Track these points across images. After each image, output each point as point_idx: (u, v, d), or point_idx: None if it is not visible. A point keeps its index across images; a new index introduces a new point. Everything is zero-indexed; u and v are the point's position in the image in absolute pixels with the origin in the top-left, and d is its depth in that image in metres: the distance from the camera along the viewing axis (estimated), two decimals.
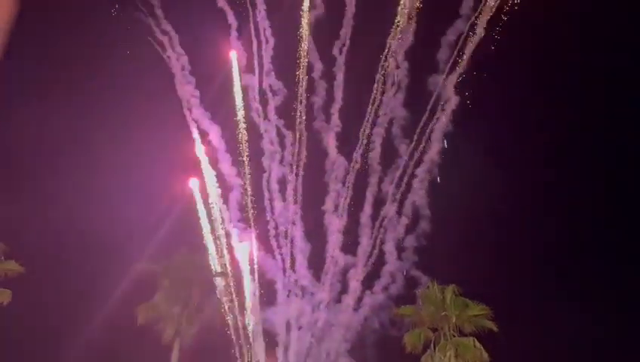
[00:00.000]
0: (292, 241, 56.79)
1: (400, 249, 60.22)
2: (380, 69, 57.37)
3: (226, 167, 54.65)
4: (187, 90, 53.99)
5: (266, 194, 55.98)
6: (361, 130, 58.04)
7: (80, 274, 43.96)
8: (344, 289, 58.96)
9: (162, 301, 39.84)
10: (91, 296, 43.80)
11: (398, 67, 58.76)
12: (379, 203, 61.43)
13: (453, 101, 59.96)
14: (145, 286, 39.78)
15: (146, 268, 40.23)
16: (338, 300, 58.81)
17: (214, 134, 54.69)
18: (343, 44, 56.53)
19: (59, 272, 42.57)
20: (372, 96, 57.54)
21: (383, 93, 57.91)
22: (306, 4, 55.16)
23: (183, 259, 40.81)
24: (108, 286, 43.15)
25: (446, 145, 61.23)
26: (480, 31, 56.01)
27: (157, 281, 40.15)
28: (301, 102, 56.06)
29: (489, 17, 54.61)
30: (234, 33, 56.13)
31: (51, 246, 43.09)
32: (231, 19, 55.90)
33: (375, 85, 57.92)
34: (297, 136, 56.44)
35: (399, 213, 61.47)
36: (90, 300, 43.59)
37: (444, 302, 35.93)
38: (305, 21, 55.17)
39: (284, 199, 56.91)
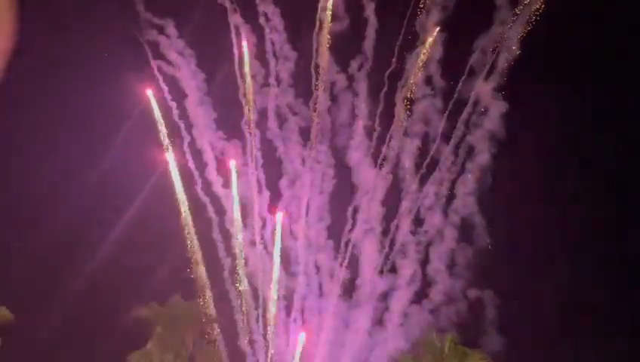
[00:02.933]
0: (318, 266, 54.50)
1: (451, 265, 56.92)
2: (405, 80, 54.27)
3: (245, 188, 52.86)
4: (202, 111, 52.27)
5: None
6: (387, 143, 55.06)
7: (71, 320, 43.30)
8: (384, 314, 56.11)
9: (155, 348, 38.72)
10: (83, 342, 43.12)
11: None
12: (417, 218, 58.21)
13: (496, 106, 56.52)
14: (137, 333, 38.71)
15: (138, 314, 39.07)
16: (379, 325, 55.91)
17: (231, 152, 52.93)
18: (367, 58, 53.70)
19: (50, 319, 42.08)
20: (397, 108, 54.48)
21: (410, 104, 54.75)
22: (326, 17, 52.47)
23: (176, 305, 39.57)
24: (100, 332, 42.41)
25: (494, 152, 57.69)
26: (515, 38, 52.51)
27: (149, 328, 39.06)
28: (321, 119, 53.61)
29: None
30: (252, 49, 53.98)
31: (42, 292, 42.65)
32: (247, 34, 53.79)
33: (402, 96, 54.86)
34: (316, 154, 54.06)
35: (445, 225, 58.28)
36: (81, 347, 42.95)
37: (442, 351, 34.70)
38: (324, 35, 52.52)
39: (308, 220, 54.59)
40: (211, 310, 47.13)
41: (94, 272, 44.38)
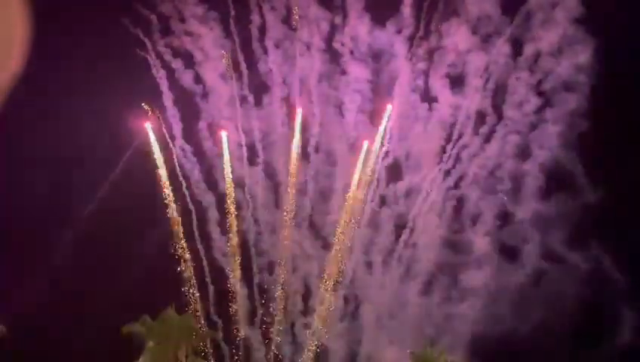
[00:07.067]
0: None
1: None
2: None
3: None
4: None
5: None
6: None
7: (63, 334, 42.67)
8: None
9: None
10: (75, 357, 42.49)
11: None
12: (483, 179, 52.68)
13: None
14: (130, 346, 37.60)
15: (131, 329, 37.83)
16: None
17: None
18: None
19: (43, 332, 41.76)
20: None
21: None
22: None
23: (169, 319, 37.92)
24: (93, 346, 41.59)
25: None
26: None
27: (142, 342, 37.84)
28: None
29: None
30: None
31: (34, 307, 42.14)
32: None
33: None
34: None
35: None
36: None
37: None
38: None
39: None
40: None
41: (86, 285, 43.44)
